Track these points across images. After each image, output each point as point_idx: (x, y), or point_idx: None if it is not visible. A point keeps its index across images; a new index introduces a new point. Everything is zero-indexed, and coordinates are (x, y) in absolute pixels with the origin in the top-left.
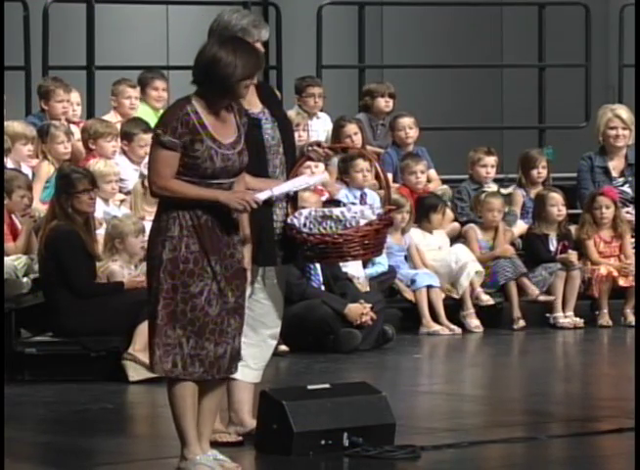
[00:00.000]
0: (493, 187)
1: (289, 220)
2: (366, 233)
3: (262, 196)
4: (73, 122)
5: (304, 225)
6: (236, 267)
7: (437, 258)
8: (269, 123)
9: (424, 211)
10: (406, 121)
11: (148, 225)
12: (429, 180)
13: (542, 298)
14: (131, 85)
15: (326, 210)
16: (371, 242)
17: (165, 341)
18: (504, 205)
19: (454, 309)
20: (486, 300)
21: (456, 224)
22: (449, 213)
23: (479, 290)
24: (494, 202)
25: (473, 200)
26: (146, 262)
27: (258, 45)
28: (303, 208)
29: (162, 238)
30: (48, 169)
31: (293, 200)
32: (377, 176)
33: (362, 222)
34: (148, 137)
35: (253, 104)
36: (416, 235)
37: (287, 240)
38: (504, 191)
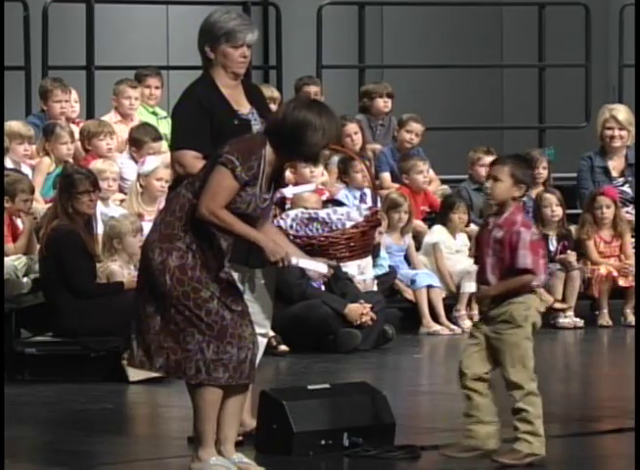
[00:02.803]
0: None
1: (275, 222)
2: (352, 235)
3: (293, 261)
4: (74, 122)
5: (291, 227)
6: (224, 286)
7: (458, 259)
8: (258, 124)
9: (444, 211)
10: (418, 128)
11: (146, 225)
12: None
13: (558, 305)
14: (132, 85)
15: (312, 211)
16: (357, 244)
17: (185, 347)
18: None
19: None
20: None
21: None
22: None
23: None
24: None
25: (483, 202)
26: (141, 264)
27: (244, 49)
28: (291, 209)
29: (170, 246)
30: (49, 164)
31: (280, 202)
32: (375, 176)
33: (348, 224)
34: (157, 146)
35: (242, 104)
36: (441, 233)
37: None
38: None
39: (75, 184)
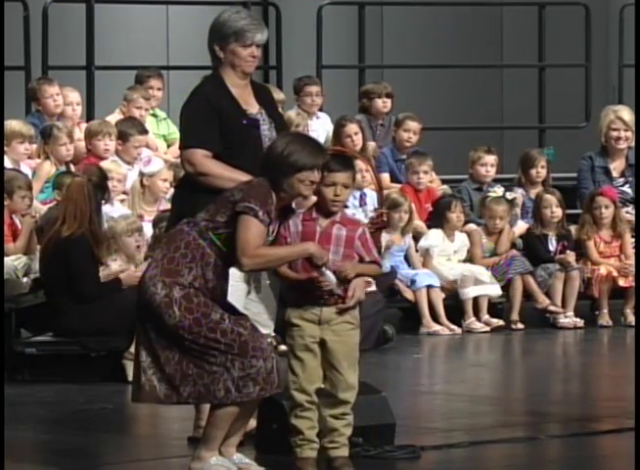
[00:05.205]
0: (499, 191)
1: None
2: None
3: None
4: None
5: None
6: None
7: (452, 265)
8: (266, 124)
9: (440, 212)
10: (415, 126)
11: (145, 225)
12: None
13: (552, 308)
14: (145, 97)
15: None
16: None
17: (210, 369)
18: (508, 210)
19: (454, 309)
20: (480, 327)
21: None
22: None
23: (486, 317)
24: (497, 208)
25: (479, 202)
26: (142, 299)
27: (253, 48)
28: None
29: (172, 280)
30: (49, 170)
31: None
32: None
33: None
34: (143, 139)
35: (251, 104)
36: (435, 237)
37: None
38: (509, 196)
39: (107, 190)
